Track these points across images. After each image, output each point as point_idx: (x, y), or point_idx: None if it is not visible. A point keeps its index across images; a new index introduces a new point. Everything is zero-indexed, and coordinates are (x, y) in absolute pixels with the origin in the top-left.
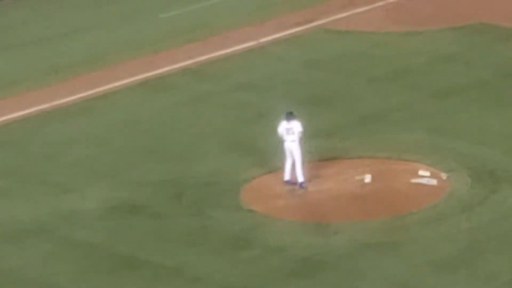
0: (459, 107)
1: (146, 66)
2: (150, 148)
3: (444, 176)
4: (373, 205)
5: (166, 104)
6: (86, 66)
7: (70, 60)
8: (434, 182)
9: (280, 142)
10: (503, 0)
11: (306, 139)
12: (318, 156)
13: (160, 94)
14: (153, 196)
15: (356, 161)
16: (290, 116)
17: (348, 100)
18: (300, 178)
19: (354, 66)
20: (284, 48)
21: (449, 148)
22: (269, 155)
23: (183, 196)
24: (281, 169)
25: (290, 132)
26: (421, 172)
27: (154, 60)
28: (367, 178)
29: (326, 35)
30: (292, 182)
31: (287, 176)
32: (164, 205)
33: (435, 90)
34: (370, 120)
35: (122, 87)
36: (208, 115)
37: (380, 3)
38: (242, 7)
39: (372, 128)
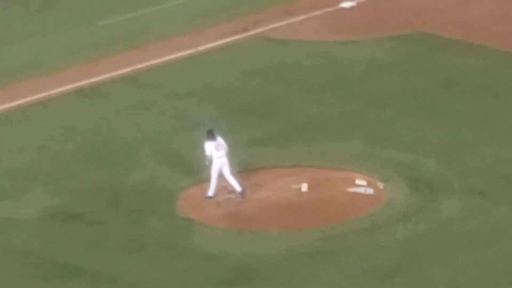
0: (396, 116)
1: (84, 73)
2: (87, 156)
3: (381, 185)
4: (310, 214)
5: (104, 112)
6: (24, 73)
7: (8, 66)
8: (371, 191)
9: (209, 161)
10: (440, 9)
11: (244, 147)
12: (256, 164)
13: (98, 102)
14: (90, 203)
15: (293, 170)
16: (212, 133)
17: (286, 109)
18: (238, 188)
19: (292, 74)
20: (222, 56)
21: (386, 157)
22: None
23: (120, 203)
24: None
25: (219, 148)
26: (358, 181)
27: (92, 68)
28: (304, 187)
29: (265, 43)
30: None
31: (211, 192)
32: (101, 212)
33: (372, 99)
34: (308, 129)
35: (60, 94)
36: (146, 123)
37: (318, 12)
38: (181, 15)
39: (310, 137)
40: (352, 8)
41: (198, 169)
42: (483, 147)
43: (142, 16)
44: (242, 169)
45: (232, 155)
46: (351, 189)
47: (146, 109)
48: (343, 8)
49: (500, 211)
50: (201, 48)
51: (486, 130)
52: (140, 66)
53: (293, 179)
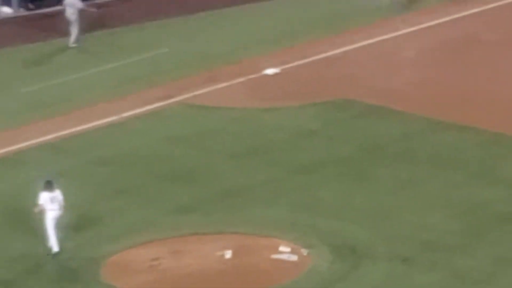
0: (321, 183)
1: (6, 140)
2: (9, 222)
3: (304, 252)
4: (233, 281)
5: (26, 179)
6: None
7: None
8: (294, 258)
9: (41, 212)
10: (363, 76)
11: (167, 214)
12: (179, 231)
13: (19, 169)
14: (12, 270)
15: (217, 237)
16: (51, 184)
17: (209, 176)
18: (55, 248)
19: (216, 141)
20: (145, 123)
21: (310, 224)
22: (130, 230)
23: (42, 271)
24: (142, 244)
25: (54, 201)
26: (281, 248)
27: (15, 135)
28: (228, 254)
29: (188, 110)
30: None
31: (55, 247)
32: (23, 280)
33: (297, 166)
34: (232, 195)
35: None
36: (68, 190)
37: (241, 79)
38: (104, 82)
39: (234, 204)
40: (275, 75)
41: (122, 236)
42: (407, 213)
43: (65, 83)
44: (165, 236)
45: (155, 222)
46: (274, 256)
47: (68, 176)
48: (266, 75)
49: (424, 278)
50: (125, 115)
51: (409, 196)
52: (63, 133)
53: (217, 245)
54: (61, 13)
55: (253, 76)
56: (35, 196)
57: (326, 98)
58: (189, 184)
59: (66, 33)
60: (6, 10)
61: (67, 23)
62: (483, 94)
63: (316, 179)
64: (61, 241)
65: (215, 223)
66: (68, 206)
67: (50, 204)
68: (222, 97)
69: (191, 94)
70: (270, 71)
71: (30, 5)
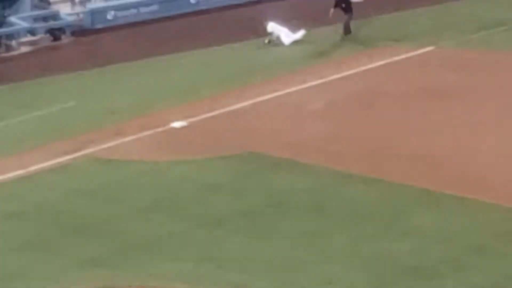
0: (227, 236)
1: None
2: None
3: None
4: None
5: None
6: None
7: None
8: None
9: None
10: (270, 130)
11: (73, 268)
12: (84, 285)
13: None
14: None
15: None
16: None
17: (117, 229)
18: None
19: (123, 194)
20: (53, 176)
21: (217, 277)
22: (36, 284)
23: None
24: None
25: None
26: None
27: None
28: None
29: (95, 163)
30: None
31: None
32: None
33: (203, 219)
34: (139, 249)
35: None
36: None
37: (149, 132)
38: (10, 136)
39: (141, 257)
40: (183, 128)
41: None
42: (313, 266)
43: None
44: None
45: (62, 276)
46: None
47: None
48: (174, 128)
49: None
50: (32, 168)
51: (316, 249)
52: None
53: None
54: None
55: (160, 129)
56: None
57: (233, 151)
58: (96, 237)
59: None
60: None
61: None
62: (390, 146)
63: (223, 232)
64: None
65: (123, 277)
66: None
67: None
68: (130, 150)
69: (98, 148)
70: (177, 124)
71: None
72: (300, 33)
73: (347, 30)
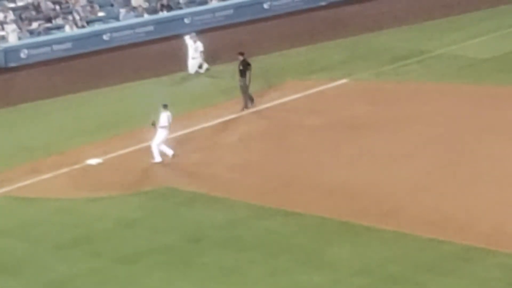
0: (146, 272)
1: None
2: None
3: None
4: None
5: None
6: None
7: None
8: None
9: None
10: (186, 163)
11: None
12: None
13: None
14: None
15: None
16: None
17: (33, 268)
18: None
19: (40, 233)
20: None
21: None
22: None
23: None
24: None
25: None
26: None
27: None
28: None
29: (11, 202)
30: None
31: None
32: None
33: (120, 255)
34: (56, 287)
35: None
36: None
37: (65, 170)
38: None
39: None
40: (98, 164)
41: None
42: None
43: None
44: None
45: None
46: None
47: None
48: (89, 165)
49: None
50: None
51: (235, 283)
52: None
53: None
54: None
55: (76, 166)
56: None
57: (149, 187)
58: (14, 276)
59: None
60: None
61: None
62: (306, 178)
63: (140, 268)
64: None
65: None
66: None
67: None
68: (46, 188)
69: (14, 186)
70: (93, 161)
71: None
72: (204, 67)
73: (250, 98)
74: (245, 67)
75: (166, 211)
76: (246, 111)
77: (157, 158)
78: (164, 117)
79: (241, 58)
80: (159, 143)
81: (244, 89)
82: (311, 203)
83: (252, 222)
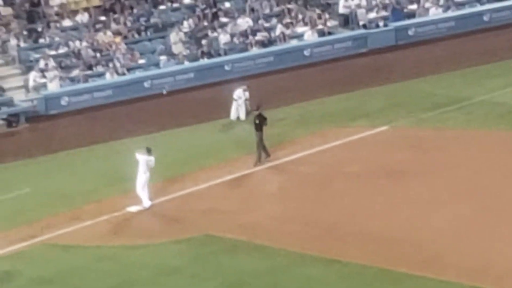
0: None
1: None
2: None
3: None
4: None
5: None
6: None
7: None
8: None
9: None
10: (226, 211)
11: None
12: None
13: None
14: None
15: None
16: None
17: None
18: None
19: (81, 280)
20: (10, 264)
21: None
22: None
23: None
24: None
25: None
26: None
27: None
28: None
29: (52, 250)
30: None
31: None
32: None
33: None
34: None
35: None
36: None
37: (105, 217)
38: None
39: None
40: (139, 211)
41: None
42: None
43: None
44: None
45: None
46: None
47: None
48: (129, 212)
49: None
50: None
51: None
52: None
53: None
54: None
55: (116, 213)
56: None
57: (190, 234)
58: None
59: None
60: None
61: None
62: (346, 226)
63: None
64: None
65: None
66: None
67: None
68: (86, 235)
69: (54, 234)
70: (133, 208)
71: None
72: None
73: (265, 152)
74: (261, 121)
75: (206, 258)
76: (258, 167)
77: (146, 203)
78: (143, 161)
79: (256, 112)
80: (143, 187)
81: (260, 144)
82: (351, 250)
83: (293, 269)
